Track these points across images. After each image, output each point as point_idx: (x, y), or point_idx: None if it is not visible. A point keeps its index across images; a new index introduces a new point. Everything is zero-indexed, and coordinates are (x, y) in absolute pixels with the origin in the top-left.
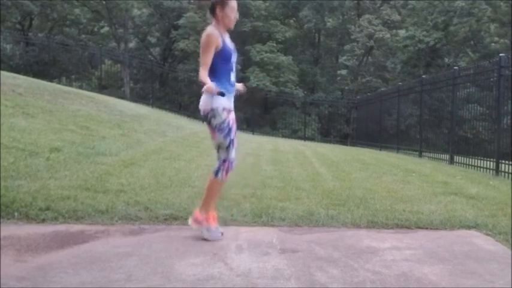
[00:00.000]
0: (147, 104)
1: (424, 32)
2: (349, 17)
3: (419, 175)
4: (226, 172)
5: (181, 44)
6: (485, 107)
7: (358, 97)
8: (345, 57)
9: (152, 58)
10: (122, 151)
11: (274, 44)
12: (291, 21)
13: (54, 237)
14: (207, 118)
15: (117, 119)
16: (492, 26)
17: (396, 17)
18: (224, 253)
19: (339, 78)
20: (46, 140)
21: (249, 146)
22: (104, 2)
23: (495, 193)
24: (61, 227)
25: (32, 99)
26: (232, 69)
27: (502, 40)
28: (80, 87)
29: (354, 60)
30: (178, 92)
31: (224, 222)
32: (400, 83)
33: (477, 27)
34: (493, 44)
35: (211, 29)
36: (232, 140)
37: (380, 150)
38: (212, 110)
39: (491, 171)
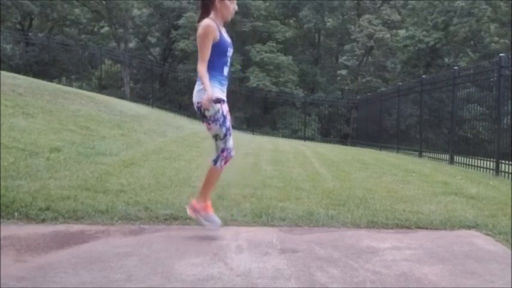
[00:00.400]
0: (147, 104)
1: (424, 32)
2: (349, 17)
3: (419, 175)
4: (225, 161)
5: (181, 44)
6: (485, 107)
7: (358, 97)
8: (345, 57)
9: (152, 58)
10: (122, 151)
11: (274, 44)
12: (291, 21)
13: (54, 237)
14: (200, 110)
15: (117, 119)
16: (492, 26)
17: (396, 17)
18: (224, 253)
19: (339, 78)
20: (46, 140)
21: (249, 146)
22: (104, 2)
23: (495, 193)
24: (61, 227)
25: (32, 99)
26: (226, 63)
27: (502, 40)
28: (80, 87)
29: (354, 60)
30: (178, 92)
31: (224, 222)
32: (400, 83)
33: (477, 27)
34: (493, 44)
35: (208, 21)
36: (229, 128)
37: (380, 150)
38: None
39: (491, 171)
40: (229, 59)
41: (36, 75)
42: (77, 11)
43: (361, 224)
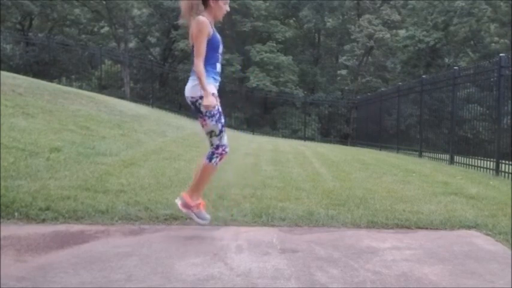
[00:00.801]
0: (147, 104)
1: (424, 32)
2: (349, 17)
3: (419, 175)
4: (221, 158)
5: (181, 44)
6: (485, 107)
7: (358, 97)
8: (345, 57)
9: (152, 58)
10: (122, 151)
11: (274, 44)
12: (291, 21)
13: (54, 237)
14: (195, 105)
15: (117, 119)
16: (492, 26)
17: (396, 17)
18: (224, 253)
19: (339, 78)
20: (46, 140)
21: (249, 146)
22: (104, 2)
23: (495, 193)
24: (61, 227)
25: (32, 99)
26: (218, 60)
27: (502, 40)
28: (80, 87)
29: (354, 60)
30: (178, 92)
31: (224, 222)
32: (400, 83)
33: (477, 27)
34: (493, 44)
35: (202, 18)
36: (224, 125)
37: (380, 150)
38: (201, 97)
39: (491, 171)
40: (220, 56)
41: (36, 75)
42: (77, 11)
43: (361, 224)
